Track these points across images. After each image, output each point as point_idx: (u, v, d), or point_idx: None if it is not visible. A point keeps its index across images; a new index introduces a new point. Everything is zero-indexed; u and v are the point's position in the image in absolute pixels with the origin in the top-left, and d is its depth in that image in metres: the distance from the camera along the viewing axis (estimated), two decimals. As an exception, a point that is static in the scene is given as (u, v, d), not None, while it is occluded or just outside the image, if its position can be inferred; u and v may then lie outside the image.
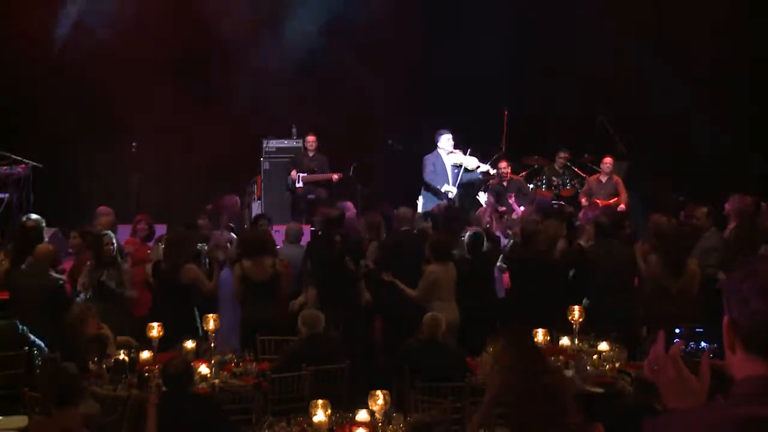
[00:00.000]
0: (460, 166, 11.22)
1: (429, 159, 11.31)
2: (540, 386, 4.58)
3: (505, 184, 12.21)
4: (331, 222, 8.67)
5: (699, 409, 1.97)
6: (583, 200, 11.88)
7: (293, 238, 9.28)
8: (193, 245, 8.19)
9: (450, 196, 11.10)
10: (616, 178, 11.97)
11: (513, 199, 11.89)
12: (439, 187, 11.17)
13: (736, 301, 1.90)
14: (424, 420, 5.12)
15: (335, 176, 12.35)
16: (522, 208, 11.44)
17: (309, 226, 10.67)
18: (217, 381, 6.33)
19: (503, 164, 12.33)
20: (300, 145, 12.93)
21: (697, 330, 2.19)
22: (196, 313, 7.52)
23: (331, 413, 5.22)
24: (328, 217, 8.78)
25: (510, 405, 4.75)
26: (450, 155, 11.25)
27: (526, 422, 4.55)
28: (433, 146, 11.40)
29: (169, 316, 7.16)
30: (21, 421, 5.62)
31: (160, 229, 9.93)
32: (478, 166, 11.32)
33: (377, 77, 13.59)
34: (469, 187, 11.44)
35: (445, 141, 11.29)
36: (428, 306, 7.61)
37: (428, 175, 11.26)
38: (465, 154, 11.27)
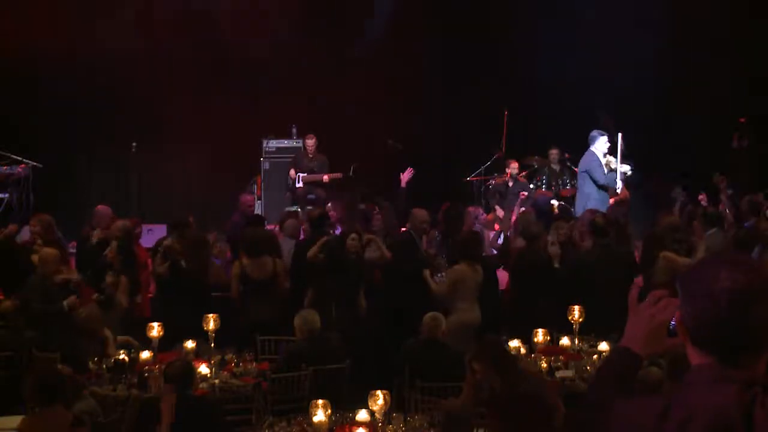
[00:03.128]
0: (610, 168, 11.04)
1: (594, 162, 10.94)
2: (521, 396, 4.55)
3: (510, 184, 12.24)
4: (317, 221, 8.68)
5: (654, 397, 2.07)
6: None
7: (292, 231, 9.39)
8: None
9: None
10: (616, 178, 11.96)
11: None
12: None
13: (684, 298, 2.01)
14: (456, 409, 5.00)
15: (326, 177, 12.36)
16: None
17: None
18: (217, 381, 6.33)
19: (514, 165, 12.34)
20: (300, 145, 12.97)
21: None
22: None
23: (331, 413, 5.21)
24: (312, 217, 8.80)
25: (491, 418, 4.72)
26: (603, 156, 11.03)
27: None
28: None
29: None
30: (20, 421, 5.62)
31: (160, 230, 9.94)
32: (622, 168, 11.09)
33: (377, 77, 13.59)
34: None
35: (603, 143, 10.98)
36: (449, 305, 7.59)
37: (602, 179, 10.95)
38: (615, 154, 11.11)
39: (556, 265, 8.06)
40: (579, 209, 10.74)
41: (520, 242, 8.68)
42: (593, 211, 9.20)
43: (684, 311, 2.01)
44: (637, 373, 2.20)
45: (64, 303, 7.45)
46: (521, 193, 11.81)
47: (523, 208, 11.08)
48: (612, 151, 11.08)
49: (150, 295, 8.80)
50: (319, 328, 6.76)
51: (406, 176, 10.92)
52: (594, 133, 11.11)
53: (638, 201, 11.57)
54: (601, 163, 11.00)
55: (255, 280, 7.81)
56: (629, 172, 11.18)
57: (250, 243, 7.96)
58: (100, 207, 9.51)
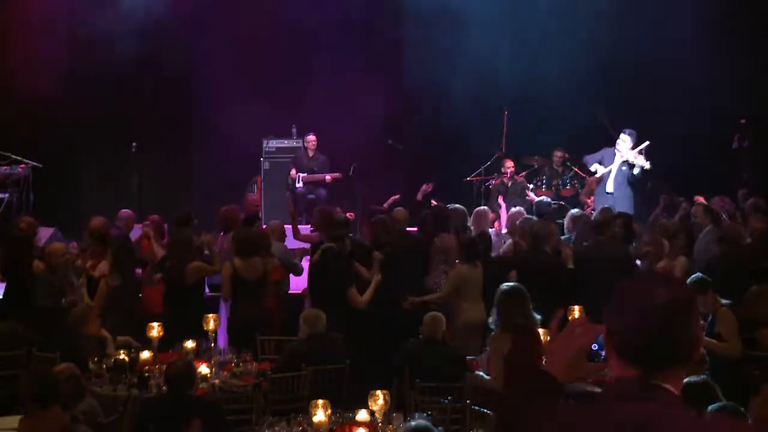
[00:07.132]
0: (629, 164, 10.99)
1: (602, 151, 11.25)
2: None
3: (509, 184, 12.23)
4: (339, 224, 8.63)
5: (578, 405, 2.13)
6: (588, 201, 11.81)
7: (278, 234, 9.31)
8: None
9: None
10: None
11: (501, 200, 11.97)
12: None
13: (612, 312, 2.09)
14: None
15: (328, 177, 12.36)
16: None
17: (308, 225, 10.63)
18: (217, 381, 6.34)
19: (510, 164, 12.32)
20: (300, 145, 12.96)
21: None
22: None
23: (331, 413, 5.22)
24: (336, 220, 8.73)
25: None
26: (626, 153, 11.00)
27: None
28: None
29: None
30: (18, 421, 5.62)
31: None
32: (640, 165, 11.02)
33: (375, 77, 13.59)
34: (623, 182, 11.11)
35: (623, 140, 11.03)
36: (455, 306, 7.66)
37: (589, 160, 11.36)
38: (639, 151, 11.03)
39: (570, 266, 8.12)
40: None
41: (508, 246, 8.72)
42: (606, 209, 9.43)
43: (614, 323, 2.09)
44: (557, 395, 2.23)
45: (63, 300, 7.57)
46: (527, 194, 11.81)
47: (519, 208, 10.94)
48: (634, 146, 11.08)
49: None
50: (324, 327, 6.76)
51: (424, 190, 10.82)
52: (622, 129, 11.19)
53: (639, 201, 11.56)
54: (603, 155, 11.14)
55: (247, 280, 7.78)
56: (647, 166, 11.10)
57: (242, 243, 7.93)
58: (123, 211, 9.58)
